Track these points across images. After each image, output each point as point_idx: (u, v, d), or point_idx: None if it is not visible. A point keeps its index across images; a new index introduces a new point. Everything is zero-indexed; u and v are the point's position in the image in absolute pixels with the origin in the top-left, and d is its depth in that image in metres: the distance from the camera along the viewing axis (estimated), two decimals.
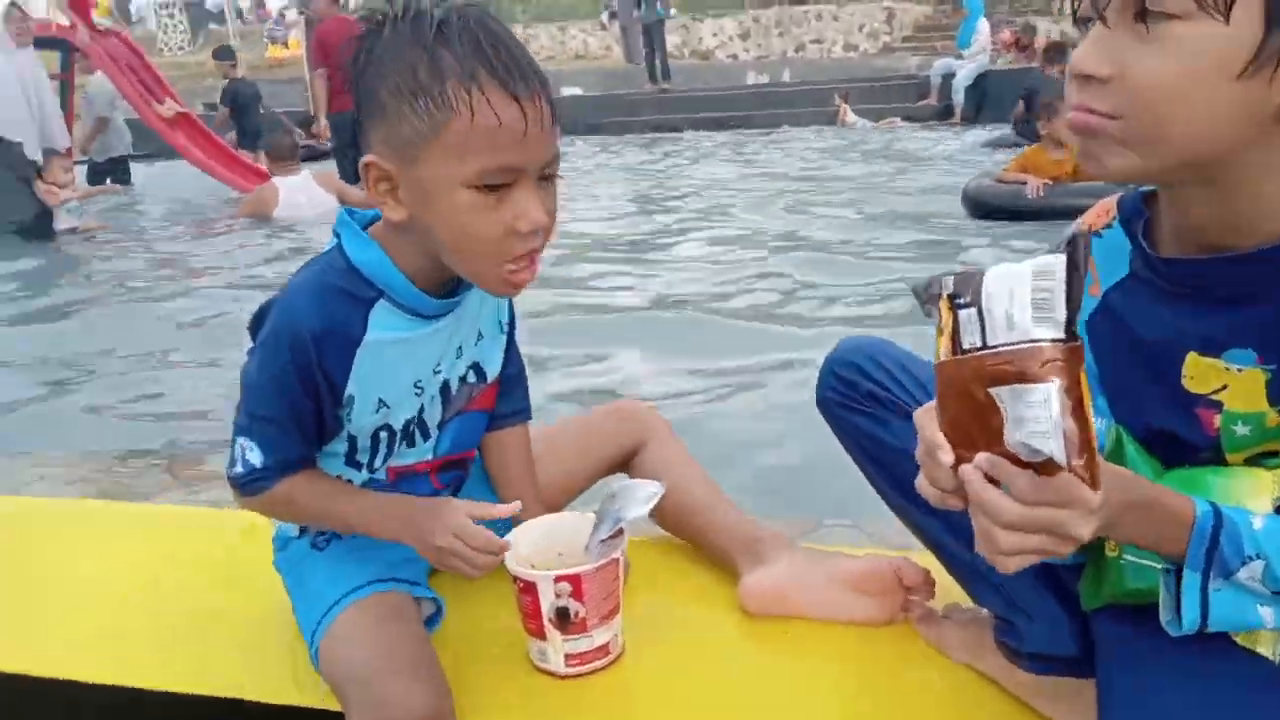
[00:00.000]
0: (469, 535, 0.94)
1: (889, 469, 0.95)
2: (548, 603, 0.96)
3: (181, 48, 18.19)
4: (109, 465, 1.87)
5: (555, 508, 1.15)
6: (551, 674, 1.00)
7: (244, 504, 1.00)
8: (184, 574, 1.29)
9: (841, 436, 1.00)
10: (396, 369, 0.96)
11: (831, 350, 1.00)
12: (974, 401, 0.61)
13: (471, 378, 1.06)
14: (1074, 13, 0.68)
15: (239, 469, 0.96)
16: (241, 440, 0.96)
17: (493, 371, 1.07)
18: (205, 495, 1.62)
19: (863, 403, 0.95)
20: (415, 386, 0.99)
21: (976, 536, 0.64)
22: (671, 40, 16.55)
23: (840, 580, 1.06)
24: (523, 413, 1.16)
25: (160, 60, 9.56)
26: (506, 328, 1.09)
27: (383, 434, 1.01)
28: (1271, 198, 0.66)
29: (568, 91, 13.17)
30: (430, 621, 1.06)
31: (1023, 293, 0.60)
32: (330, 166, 6.30)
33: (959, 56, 10.87)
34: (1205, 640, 0.70)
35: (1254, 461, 0.73)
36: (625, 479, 1.04)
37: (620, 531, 0.98)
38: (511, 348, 1.12)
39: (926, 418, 0.66)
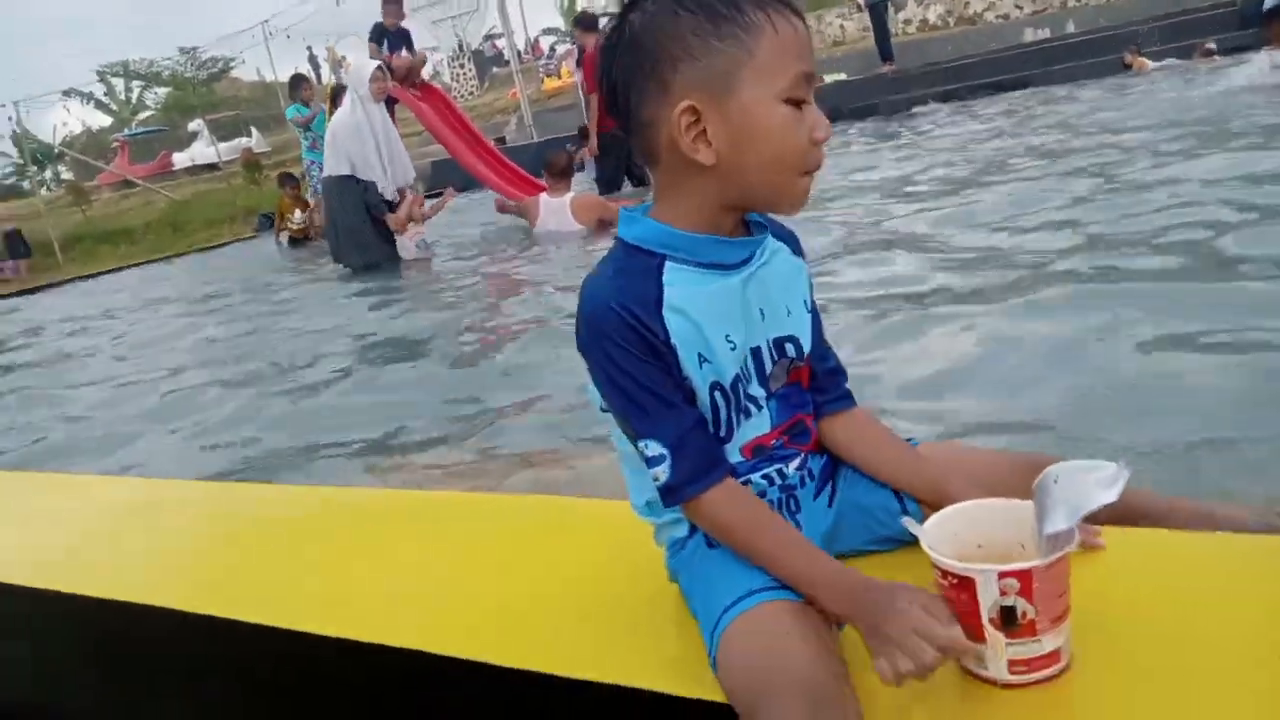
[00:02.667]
0: (932, 634, 0.83)
1: None
2: (989, 600, 0.85)
3: (472, 92, 20.37)
4: (473, 459, 2.03)
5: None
6: (990, 681, 0.89)
7: (693, 519, 0.99)
8: (553, 562, 1.32)
9: None
10: (704, 322, 0.94)
11: None
12: None
13: (791, 350, 1.02)
14: None
15: (655, 472, 0.95)
16: (640, 446, 0.95)
17: (807, 347, 1.04)
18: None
19: None
20: (728, 340, 0.96)
21: None
22: (935, 11, 15.63)
23: None
24: (848, 397, 1.10)
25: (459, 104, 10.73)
26: (811, 306, 1.06)
27: (718, 395, 0.97)
28: None
29: (831, 78, 12.85)
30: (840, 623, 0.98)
31: None
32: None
33: None
34: None
35: None
36: (1068, 460, 0.90)
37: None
38: (820, 336, 1.08)
39: None
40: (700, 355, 0.96)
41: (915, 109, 11.02)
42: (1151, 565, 1.03)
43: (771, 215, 1.04)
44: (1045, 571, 0.84)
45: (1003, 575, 0.84)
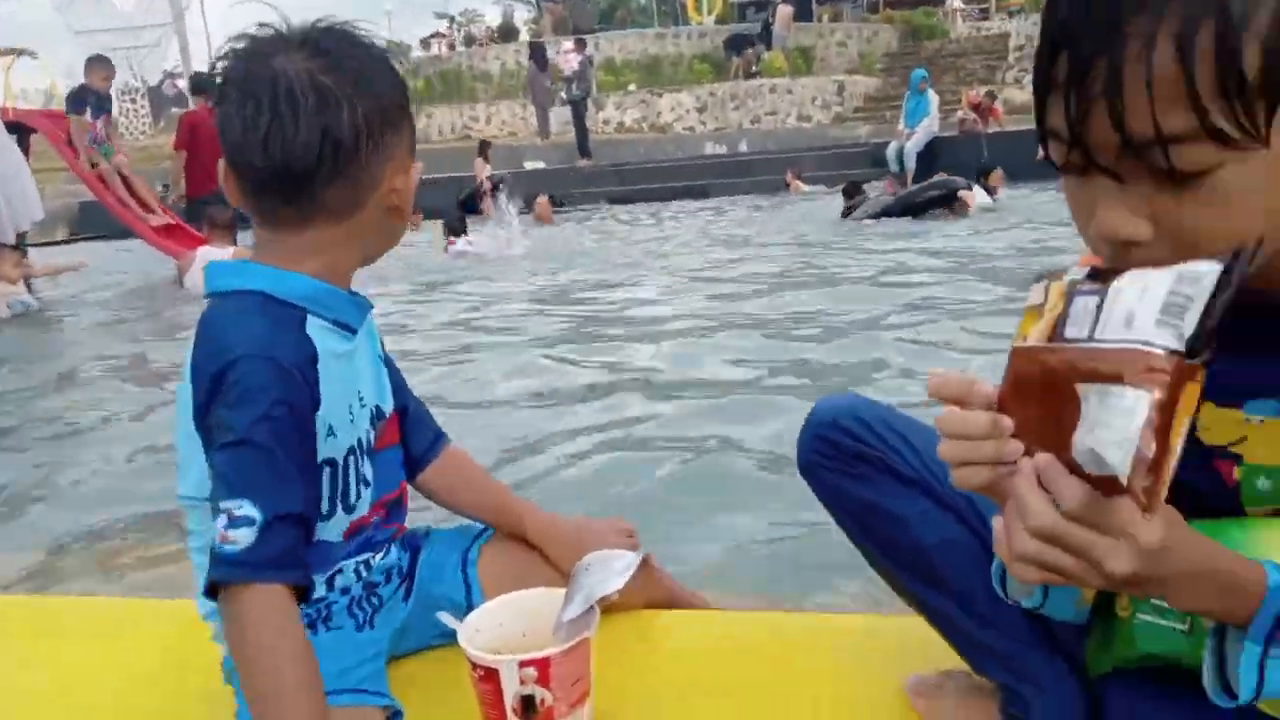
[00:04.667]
0: None
1: (878, 533, 0.89)
2: (511, 691, 0.87)
3: (144, 132, 18.41)
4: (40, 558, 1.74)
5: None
6: None
7: (220, 604, 0.84)
8: (120, 672, 1.17)
9: (827, 502, 0.94)
10: (337, 387, 0.93)
11: (810, 413, 0.94)
12: (1056, 395, 0.55)
13: (384, 410, 1.04)
14: (1053, 163, 0.61)
15: (231, 534, 0.81)
16: (231, 504, 0.81)
17: (388, 407, 1.05)
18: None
19: (849, 465, 0.89)
20: (357, 404, 0.97)
21: (998, 535, 0.59)
22: (631, 115, 16.95)
23: None
24: (442, 437, 1.16)
25: (126, 143, 9.51)
26: (383, 360, 1.07)
27: (328, 472, 0.94)
28: None
29: (531, 165, 13.35)
30: None
31: (1157, 293, 0.53)
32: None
33: (909, 136, 11.13)
34: (1226, 712, 0.63)
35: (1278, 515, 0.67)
36: (600, 551, 0.96)
37: (592, 608, 0.90)
38: (400, 382, 1.11)
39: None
40: (330, 426, 0.92)
41: (603, 203, 11.82)
42: (674, 642, 1.12)
43: None
44: (562, 658, 0.88)
45: (522, 664, 0.87)
